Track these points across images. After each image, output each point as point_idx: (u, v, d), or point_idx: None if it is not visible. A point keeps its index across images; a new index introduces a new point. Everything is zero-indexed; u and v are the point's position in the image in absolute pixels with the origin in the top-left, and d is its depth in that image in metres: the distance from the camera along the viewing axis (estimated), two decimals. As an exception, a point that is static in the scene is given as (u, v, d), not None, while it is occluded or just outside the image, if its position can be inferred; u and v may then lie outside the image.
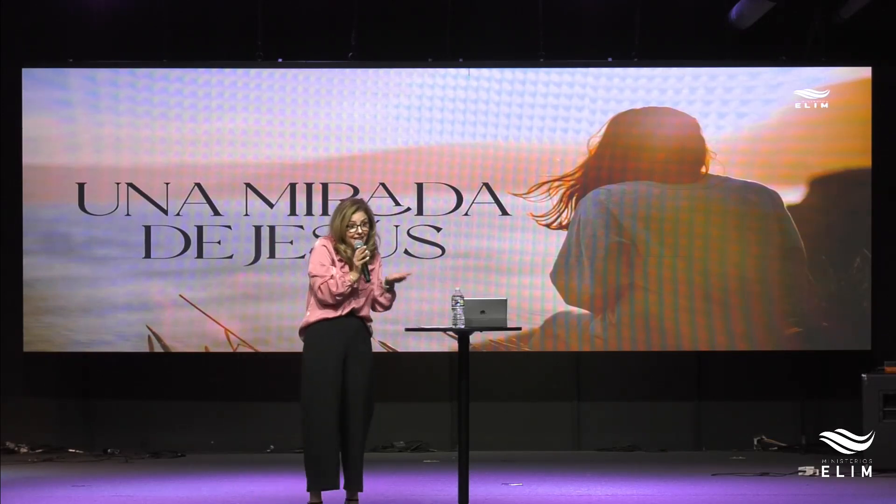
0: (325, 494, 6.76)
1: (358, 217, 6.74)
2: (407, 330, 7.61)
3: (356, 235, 6.72)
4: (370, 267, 6.77)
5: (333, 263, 6.71)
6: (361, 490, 6.80)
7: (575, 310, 9.69)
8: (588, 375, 10.16)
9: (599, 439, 10.08)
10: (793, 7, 9.77)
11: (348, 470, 6.73)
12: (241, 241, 9.73)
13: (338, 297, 6.68)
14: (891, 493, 7.66)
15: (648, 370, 10.09)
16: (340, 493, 6.79)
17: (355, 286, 6.70)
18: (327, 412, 6.65)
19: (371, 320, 6.86)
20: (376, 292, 6.82)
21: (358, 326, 6.77)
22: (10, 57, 9.89)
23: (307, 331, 6.76)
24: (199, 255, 9.73)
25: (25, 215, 9.70)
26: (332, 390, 6.67)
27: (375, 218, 6.89)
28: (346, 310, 6.72)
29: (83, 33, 9.92)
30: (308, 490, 6.73)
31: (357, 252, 6.69)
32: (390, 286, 6.80)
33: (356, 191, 9.65)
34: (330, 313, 6.72)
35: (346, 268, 6.71)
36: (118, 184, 9.73)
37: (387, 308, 6.89)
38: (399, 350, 9.66)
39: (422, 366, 9.99)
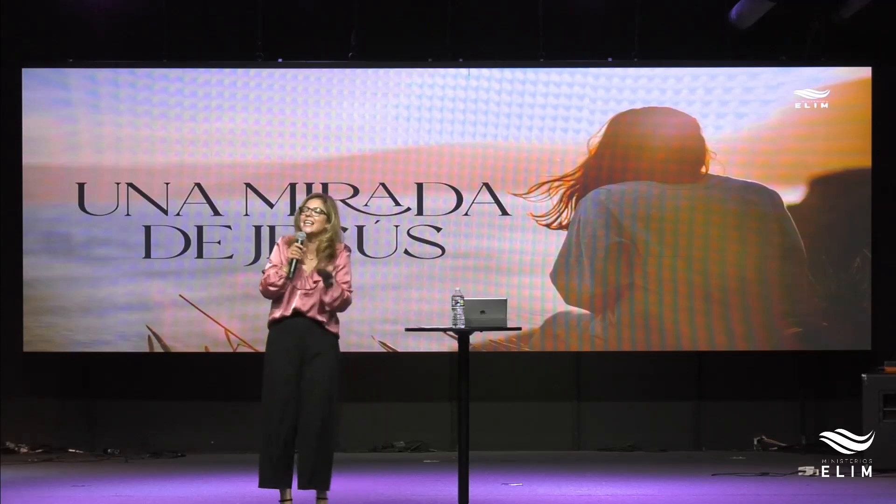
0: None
1: (311, 203, 6.71)
2: (407, 330, 7.65)
3: (304, 219, 6.66)
4: (327, 265, 6.65)
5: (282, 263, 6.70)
6: (324, 488, 6.68)
7: (575, 310, 9.69)
8: (588, 375, 10.16)
9: (599, 439, 10.08)
10: (793, 7, 9.77)
11: (302, 469, 6.65)
12: (241, 241, 9.74)
13: (270, 289, 6.64)
14: (891, 493, 7.66)
15: (648, 370, 10.09)
16: (308, 492, 6.76)
17: (292, 280, 6.62)
18: (275, 412, 6.61)
19: (326, 321, 6.68)
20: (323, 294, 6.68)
21: (308, 326, 6.65)
22: (10, 57, 9.89)
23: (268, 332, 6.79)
24: (199, 255, 9.73)
25: (25, 215, 9.70)
26: (281, 391, 6.61)
27: (344, 216, 6.83)
28: (289, 310, 6.66)
29: (83, 33, 9.92)
30: (259, 486, 6.73)
31: (292, 248, 6.61)
32: (324, 277, 6.62)
33: (356, 191, 9.65)
34: (277, 313, 6.69)
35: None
36: (118, 184, 9.73)
37: (334, 307, 6.66)
38: (399, 350, 9.66)
39: (422, 366, 9.99)
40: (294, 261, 6.62)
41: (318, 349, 6.67)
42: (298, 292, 6.66)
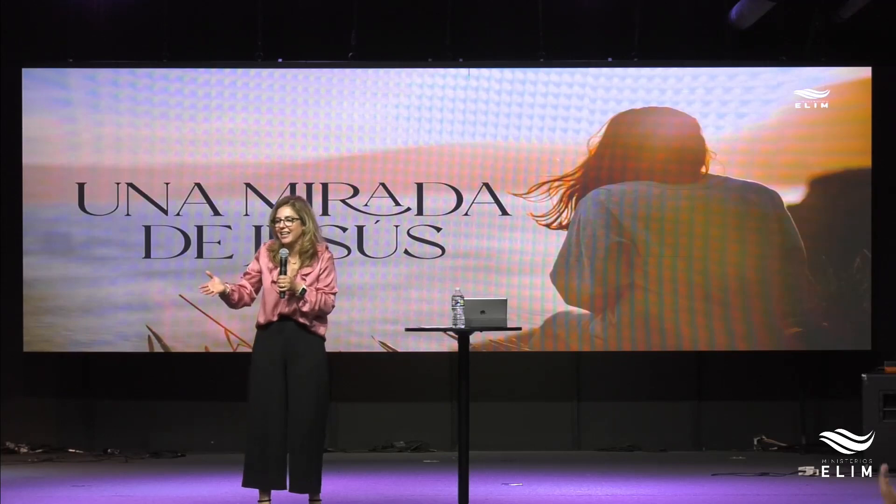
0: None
1: (282, 212, 6.67)
2: (407, 330, 7.65)
3: (279, 231, 6.64)
4: (301, 273, 6.64)
5: (259, 273, 6.69)
6: (314, 493, 6.68)
7: (575, 310, 9.69)
8: (588, 375, 10.16)
9: (599, 439, 10.08)
10: (793, 7, 9.77)
11: (294, 472, 6.66)
12: (241, 241, 9.73)
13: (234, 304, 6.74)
14: (891, 493, 7.66)
15: (648, 370, 10.09)
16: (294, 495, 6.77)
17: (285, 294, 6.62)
18: (260, 415, 6.65)
19: (310, 323, 6.65)
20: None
21: (293, 329, 6.63)
22: (10, 57, 9.89)
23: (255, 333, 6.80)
24: (199, 255, 9.73)
25: (25, 215, 9.70)
26: (267, 395, 6.64)
27: (318, 216, 6.79)
28: (275, 315, 6.65)
29: (83, 33, 9.92)
30: (242, 486, 6.74)
31: (283, 278, 6.57)
32: (291, 295, 6.61)
33: (356, 191, 9.65)
34: (262, 318, 6.68)
35: (276, 272, 6.63)
36: (118, 184, 9.73)
37: (316, 312, 6.63)
38: (399, 350, 9.66)
39: (422, 366, 9.99)
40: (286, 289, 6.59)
41: (304, 351, 6.64)
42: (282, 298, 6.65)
